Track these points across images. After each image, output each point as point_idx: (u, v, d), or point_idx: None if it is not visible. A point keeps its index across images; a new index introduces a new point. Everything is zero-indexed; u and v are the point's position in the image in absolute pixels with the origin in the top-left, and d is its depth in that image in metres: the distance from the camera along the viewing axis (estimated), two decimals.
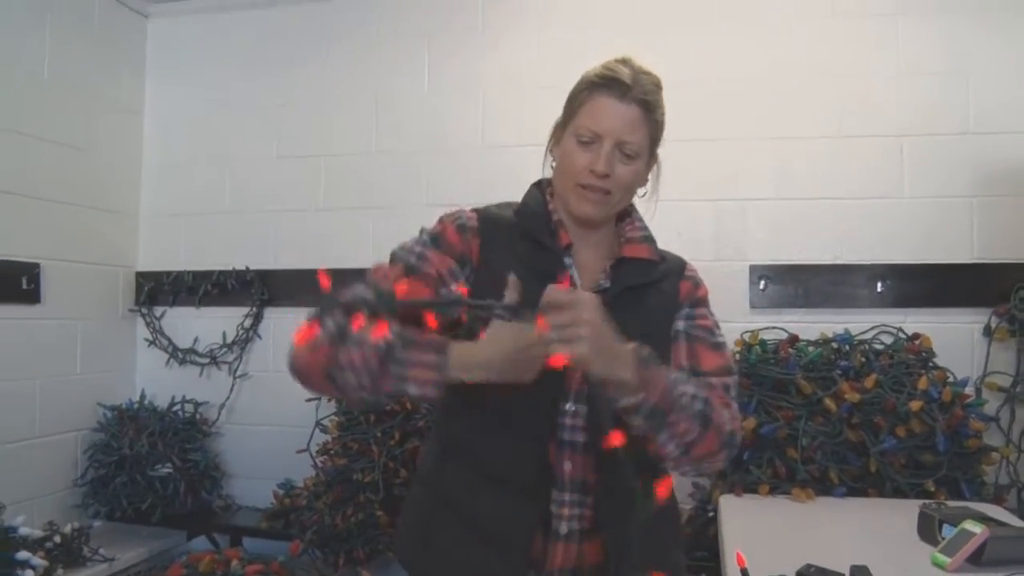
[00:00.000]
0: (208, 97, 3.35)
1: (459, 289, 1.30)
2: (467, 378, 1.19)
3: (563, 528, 1.31)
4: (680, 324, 1.41)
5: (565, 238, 1.39)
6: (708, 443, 1.25)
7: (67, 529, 2.63)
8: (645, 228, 1.48)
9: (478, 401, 1.27)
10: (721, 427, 1.27)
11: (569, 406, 1.32)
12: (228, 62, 3.33)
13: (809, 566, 1.62)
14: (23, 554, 2.41)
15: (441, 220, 1.41)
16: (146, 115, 3.42)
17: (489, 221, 1.39)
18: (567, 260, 1.39)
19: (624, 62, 1.35)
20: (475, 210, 1.43)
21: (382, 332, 1.15)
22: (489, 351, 1.19)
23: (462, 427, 1.36)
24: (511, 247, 1.36)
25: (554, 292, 1.12)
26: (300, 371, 1.23)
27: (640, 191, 1.45)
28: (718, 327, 1.45)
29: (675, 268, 1.47)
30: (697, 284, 1.47)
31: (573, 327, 1.09)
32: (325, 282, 1.14)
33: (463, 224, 1.38)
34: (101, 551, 2.67)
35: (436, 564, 1.35)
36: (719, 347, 1.41)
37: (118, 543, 2.82)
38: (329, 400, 2.84)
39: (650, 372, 1.18)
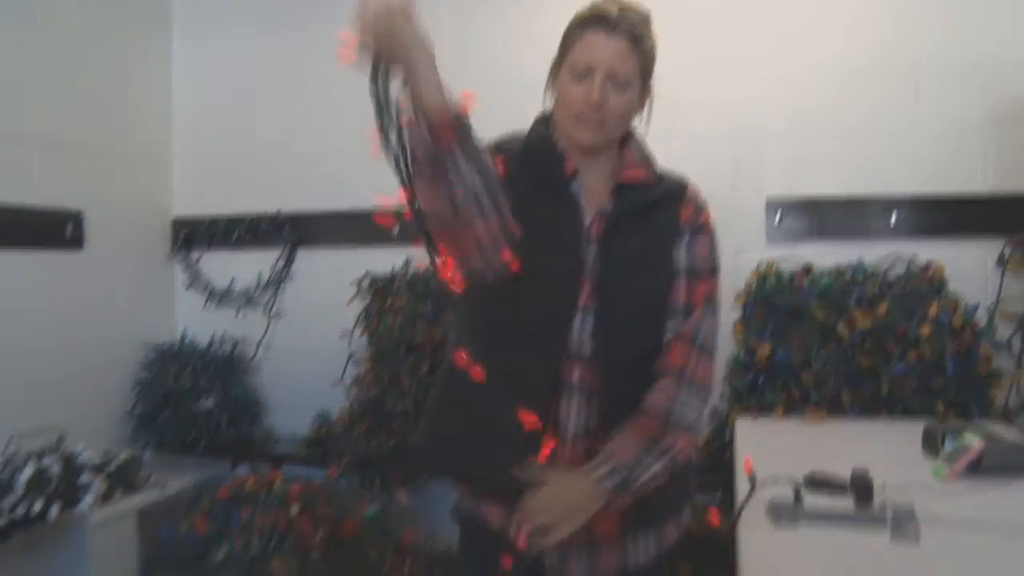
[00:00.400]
0: (237, 41, 3.42)
1: None
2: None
3: (570, 430, 1.44)
4: (681, 256, 1.49)
5: (570, 166, 1.48)
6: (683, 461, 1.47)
7: (122, 457, 2.80)
8: (642, 150, 1.54)
9: (496, 315, 1.41)
10: (688, 433, 1.46)
11: (579, 317, 1.43)
12: (257, 7, 3.39)
13: (814, 472, 1.72)
14: (85, 477, 2.58)
15: None
16: (175, 61, 3.51)
17: (500, 150, 1.46)
18: (574, 184, 1.48)
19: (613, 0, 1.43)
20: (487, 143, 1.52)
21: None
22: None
23: (479, 339, 1.46)
24: (523, 175, 1.44)
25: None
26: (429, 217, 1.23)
27: (637, 119, 1.52)
28: (715, 248, 1.53)
29: (676, 190, 1.53)
30: (699, 209, 1.53)
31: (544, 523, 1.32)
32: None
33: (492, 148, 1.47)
34: (152, 478, 2.84)
35: (450, 459, 1.52)
36: (712, 275, 1.51)
37: (167, 471, 2.98)
38: (362, 334, 2.97)
39: (615, 494, 1.36)
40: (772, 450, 2.08)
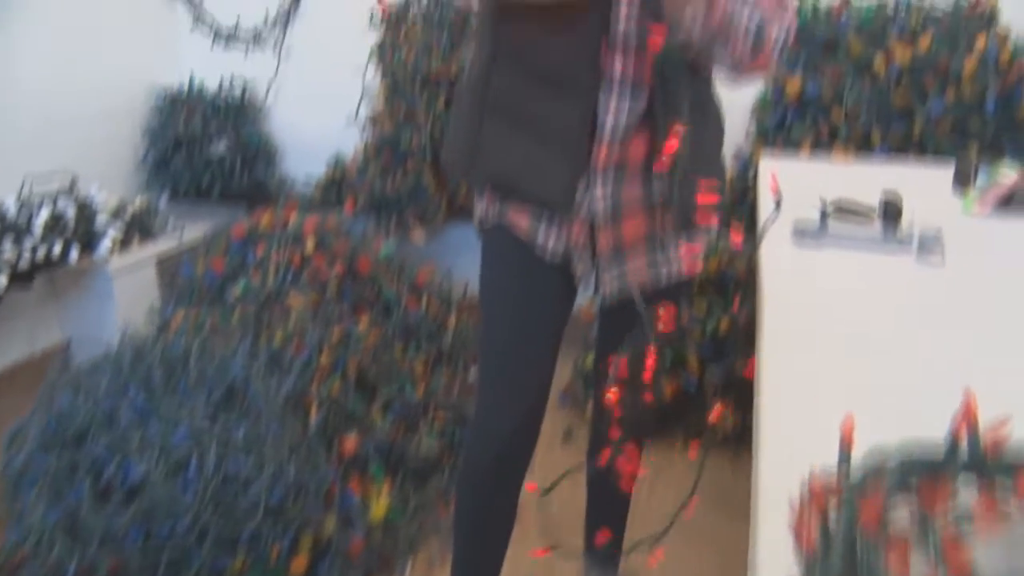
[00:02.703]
0: None
1: None
2: None
3: (607, 128, 1.31)
4: None
5: None
6: (759, 62, 1.25)
7: (137, 203, 2.78)
8: None
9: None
10: (774, 45, 1.25)
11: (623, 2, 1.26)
12: None
13: (841, 197, 1.68)
14: (102, 220, 2.58)
15: None
16: None
17: None
18: None
19: None
20: None
21: None
22: None
23: (513, 28, 1.32)
24: None
25: None
26: None
27: None
28: None
29: None
30: None
31: None
32: None
33: None
34: (170, 225, 2.85)
35: (487, 167, 1.39)
36: None
37: (183, 218, 2.99)
38: (376, 69, 2.85)
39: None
40: (798, 184, 2.02)
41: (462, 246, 2.64)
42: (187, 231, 2.92)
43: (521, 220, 1.40)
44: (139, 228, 2.76)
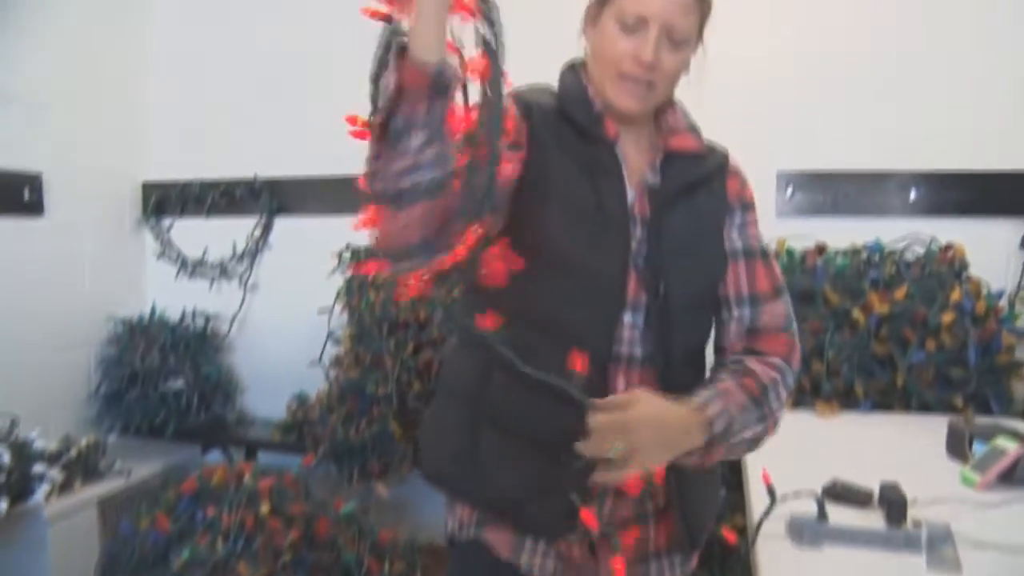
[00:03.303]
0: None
1: (507, 163, 1.10)
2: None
3: None
4: (735, 237, 1.31)
5: (611, 128, 1.25)
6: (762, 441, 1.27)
7: (83, 443, 2.62)
8: (688, 115, 1.34)
9: (529, 309, 1.18)
10: (774, 425, 1.26)
11: (628, 316, 1.21)
12: None
13: (835, 481, 1.57)
14: (39, 467, 2.41)
15: None
16: (153, 17, 3.26)
17: (529, 107, 1.22)
18: (618, 152, 1.25)
19: None
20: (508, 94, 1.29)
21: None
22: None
23: (511, 340, 1.19)
24: (556, 138, 1.22)
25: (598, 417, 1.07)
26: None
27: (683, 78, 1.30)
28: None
29: (720, 161, 1.34)
30: (744, 183, 1.35)
31: (623, 436, 1.06)
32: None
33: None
34: (117, 464, 2.66)
35: (490, 489, 1.24)
36: (768, 258, 1.33)
37: (133, 457, 2.81)
38: (342, 311, 2.79)
39: (714, 439, 1.15)
40: (784, 449, 1.92)
41: (427, 496, 2.48)
42: (136, 471, 2.73)
43: (503, 537, 1.26)
44: (83, 468, 2.58)
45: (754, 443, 1.23)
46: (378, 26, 0.93)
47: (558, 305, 1.17)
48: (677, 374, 1.23)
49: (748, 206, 1.34)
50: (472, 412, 1.26)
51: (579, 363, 1.09)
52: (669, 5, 1.16)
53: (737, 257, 1.31)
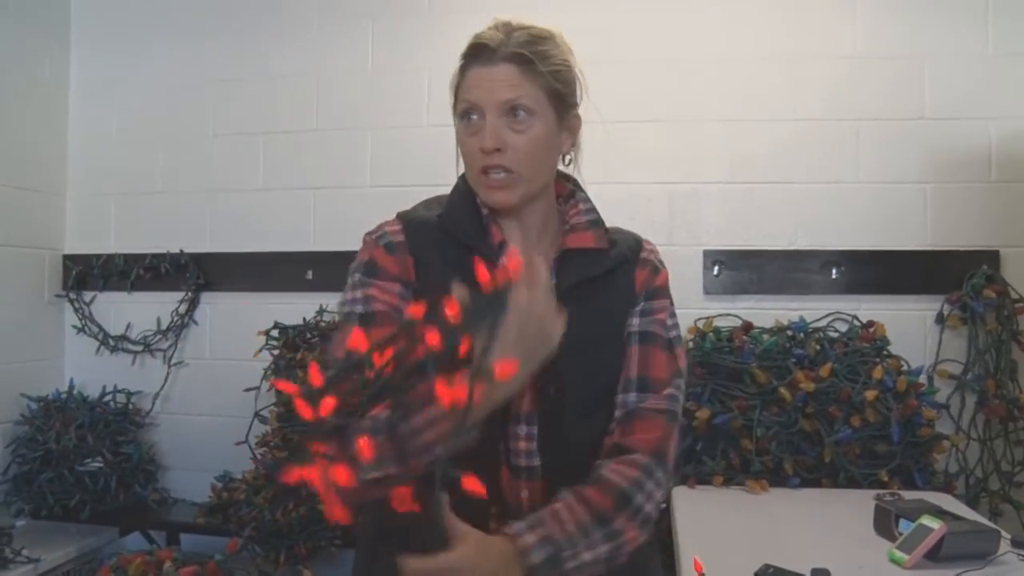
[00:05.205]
0: (139, 72, 3.16)
1: (413, 309, 1.02)
2: None
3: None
4: (635, 323, 1.27)
5: (497, 235, 1.24)
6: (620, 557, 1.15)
7: None
8: (591, 210, 1.31)
9: None
10: (636, 534, 1.14)
11: (521, 428, 1.18)
12: (160, 35, 3.14)
13: (767, 567, 1.58)
14: None
15: (365, 244, 1.26)
16: (72, 89, 3.22)
17: (416, 230, 1.24)
18: (502, 257, 1.19)
19: (497, 26, 1.20)
20: (399, 217, 1.28)
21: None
22: None
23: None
24: (443, 253, 1.22)
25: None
26: None
27: (565, 159, 1.30)
28: (673, 315, 1.30)
29: (629, 253, 1.30)
30: (656, 270, 1.31)
31: None
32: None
33: (390, 243, 1.23)
34: (25, 552, 2.52)
35: None
36: (671, 345, 1.27)
37: (44, 542, 2.67)
38: (269, 389, 2.73)
39: (535, 570, 1.05)
40: (714, 529, 1.95)
41: None
42: (46, 557, 2.59)
43: None
44: None
45: (611, 560, 1.12)
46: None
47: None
48: (578, 480, 1.16)
49: (656, 293, 1.29)
50: (372, 528, 1.25)
51: (473, 484, 0.98)
52: (491, 84, 1.16)
53: (633, 341, 1.26)
